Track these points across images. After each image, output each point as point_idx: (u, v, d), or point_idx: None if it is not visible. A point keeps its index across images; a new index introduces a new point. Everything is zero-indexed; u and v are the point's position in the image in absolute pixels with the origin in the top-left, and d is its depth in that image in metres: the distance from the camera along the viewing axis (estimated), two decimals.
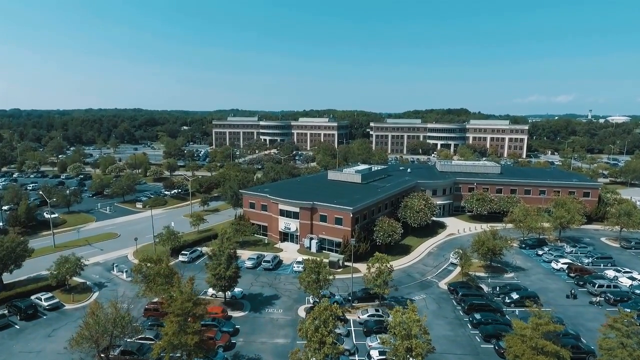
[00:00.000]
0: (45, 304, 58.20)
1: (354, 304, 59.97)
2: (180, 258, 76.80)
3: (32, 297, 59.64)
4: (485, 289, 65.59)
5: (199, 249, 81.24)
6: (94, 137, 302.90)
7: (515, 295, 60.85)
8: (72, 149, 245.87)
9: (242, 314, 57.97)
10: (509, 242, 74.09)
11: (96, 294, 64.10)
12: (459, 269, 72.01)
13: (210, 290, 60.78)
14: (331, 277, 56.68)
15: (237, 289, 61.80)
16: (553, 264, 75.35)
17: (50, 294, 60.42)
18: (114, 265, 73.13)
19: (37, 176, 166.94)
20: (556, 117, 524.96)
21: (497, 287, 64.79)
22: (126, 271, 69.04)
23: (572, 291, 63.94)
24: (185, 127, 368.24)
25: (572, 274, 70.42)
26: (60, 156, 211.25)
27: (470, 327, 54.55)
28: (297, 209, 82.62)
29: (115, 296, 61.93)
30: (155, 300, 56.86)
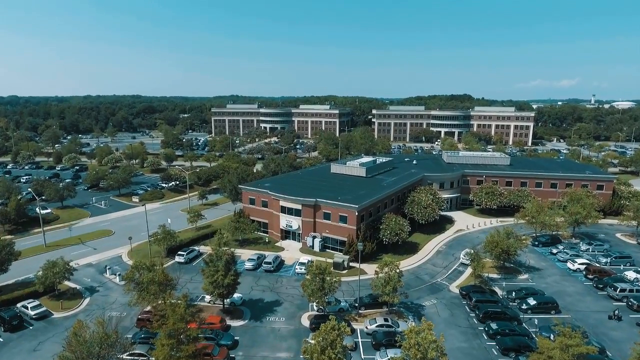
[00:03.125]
0: (32, 312, 54.41)
1: (360, 311, 56.34)
2: (177, 259, 72.92)
3: (18, 305, 55.99)
4: (499, 292, 61.87)
5: (197, 248, 77.40)
6: (91, 126, 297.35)
7: (532, 301, 56.97)
8: (68, 138, 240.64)
9: (241, 322, 54.35)
10: (524, 240, 70.23)
11: (87, 299, 60.44)
12: (470, 269, 68.10)
13: (208, 297, 57.10)
14: (336, 280, 53.06)
15: (236, 295, 57.94)
16: (569, 264, 71.32)
17: (37, 302, 56.59)
18: (107, 267, 69.39)
19: (32, 167, 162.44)
20: (559, 103, 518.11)
21: (513, 292, 60.67)
22: (119, 274, 65.15)
23: (616, 312, 55.31)
24: (184, 115, 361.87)
25: (590, 276, 66.51)
26: (56, 146, 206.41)
27: (486, 337, 50.95)
28: (299, 206, 78.55)
29: (107, 302, 59.09)
30: (149, 309, 53.15)
